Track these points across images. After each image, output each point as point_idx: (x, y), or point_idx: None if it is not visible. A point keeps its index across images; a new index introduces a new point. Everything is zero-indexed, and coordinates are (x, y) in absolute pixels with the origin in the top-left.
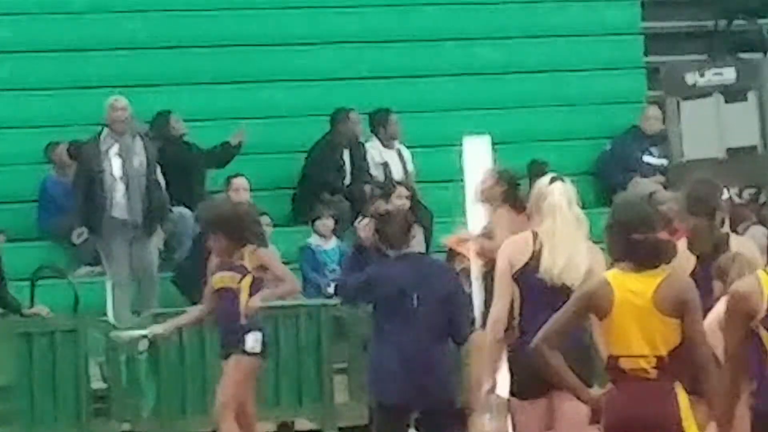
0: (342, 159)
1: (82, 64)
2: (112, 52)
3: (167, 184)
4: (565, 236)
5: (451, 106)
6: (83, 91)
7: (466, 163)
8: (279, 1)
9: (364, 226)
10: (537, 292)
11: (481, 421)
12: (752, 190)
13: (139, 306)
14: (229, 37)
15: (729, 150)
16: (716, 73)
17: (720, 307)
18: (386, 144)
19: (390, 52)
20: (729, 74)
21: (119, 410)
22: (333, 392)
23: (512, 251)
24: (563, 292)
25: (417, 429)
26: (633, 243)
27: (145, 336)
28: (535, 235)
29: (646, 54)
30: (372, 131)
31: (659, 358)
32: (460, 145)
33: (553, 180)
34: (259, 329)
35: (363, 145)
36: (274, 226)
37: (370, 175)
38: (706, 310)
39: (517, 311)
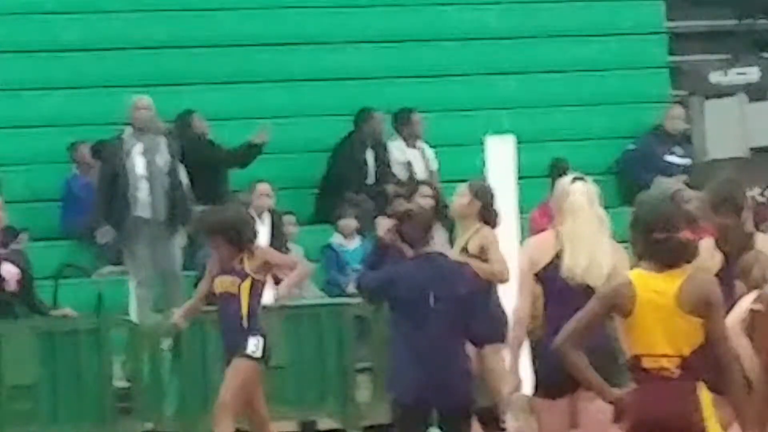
0: (365, 158)
1: (106, 64)
2: (135, 52)
3: (190, 183)
4: (586, 236)
5: (474, 105)
6: (107, 90)
7: (489, 162)
8: (302, 0)
9: (385, 228)
10: (560, 291)
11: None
12: None
13: (162, 305)
14: (253, 36)
15: (752, 149)
16: (740, 73)
17: (743, 306)
18: (409, 143)
19: (414, 52)
20: (752, 73)
21: (142, 409)
22: (356, 391)
23: (534, 251)
24: (586, 291)
25: (441, 429)
26: (654, 242)
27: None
28: (558, 235)
29: (669, 53)
30: (395, 130)
31: (682, 358)
32: (483, 144)
33: (575, 179)
34: (261, 334)
35: (386, 144)
36: (298, 224)
37: (393, 175)
38: (730, 309)
39: (540, 310)
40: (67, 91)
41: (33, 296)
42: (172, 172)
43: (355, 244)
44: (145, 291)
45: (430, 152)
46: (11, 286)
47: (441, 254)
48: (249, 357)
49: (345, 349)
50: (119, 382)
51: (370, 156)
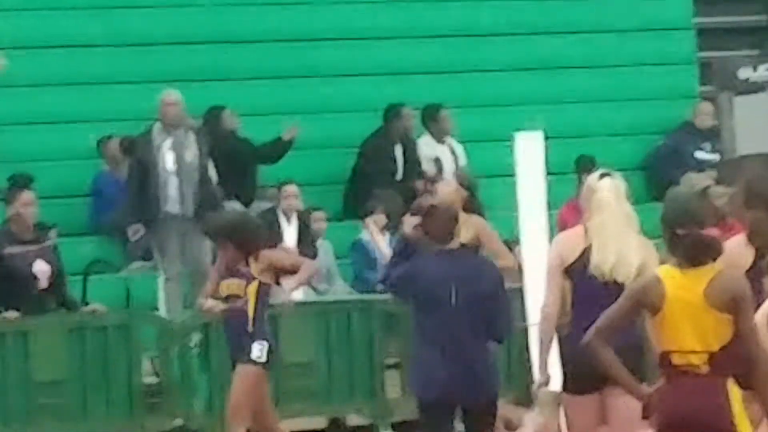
0: (394, 154)
1: (136, 60)
2: (166, 47)
3: (219, 178)
4: (614, 232)
5: (503, 101)
6: (136, 86)
7: (518, 158)
8: None
9: (411, 225)
10: (588, 287)
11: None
12: None
13: (191, 300)
14: (283, 32)
15: None
16: None
17: None
18: (438, 139)
19: (442, 48)
20: None
21: (171, 405)
22: (385, 387)
23: (564, 246)
24: (615, 287)
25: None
26: (676, 238)
27: None
28: (586, 231)
29: (698, 49)
30: (424, 126)
31: (711, 354)
32: (512, 140)
33: (603, 175)
34: (266, 339)
35: (415, 140)
36: (328, 220)
37: (422, 171)
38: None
39: (569, 306)
40: (96, 87)
41: (64, 292)
42: (201, 168)
43: (384, 240)
44: (174, 286)
45: (458, 148)
46: (43, 283)
47: (466, 250)
48: (254, 362)
49: (374, 345)
50: (148, 378)
51: (399, 152)
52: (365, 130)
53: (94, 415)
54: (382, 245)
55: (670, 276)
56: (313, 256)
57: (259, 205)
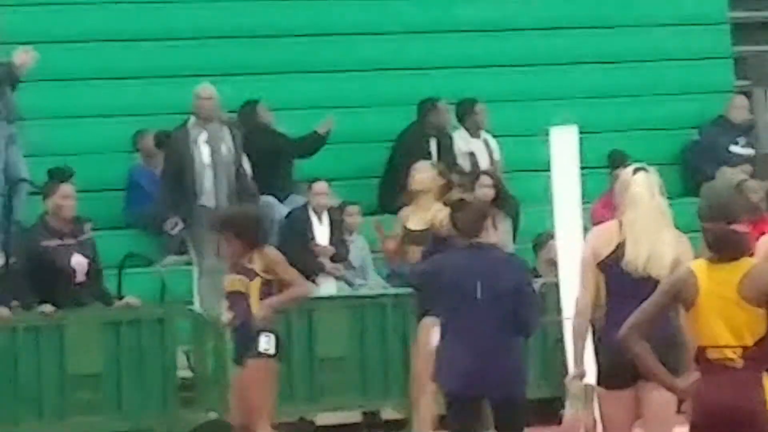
0: (429, 148)
1: (171, 53)
2: (201, 41)
3: (254, 172)
4: (647, 227)
5: (538, 95)
6: (171, 79)
7: (553, 152)
8: None
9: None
10: (622, 282)
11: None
12: None
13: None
14: (316, 26)
15: None
16: None
17: None
18: (473, 133)
19: (478, 42)
20: None
21: (206, 399)
22: None
23: (597, 241)
24: (649, 282)
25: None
26: (705, 232)
27: None
28: (621, 225)
29: (733, 44)
30: (459, 120)
31: (745, 348)
32: (548, 134)
33: (637, 170)
34: (273, 331)
35: (450, 134)
36: (362, 215)
37: (457, 165)
38: None
39: (603, 300)
40: (131, 81)
41: (100, 286)
42: (236, 162)
43: None
44: (208, 280)
45: (493, 142)
46: (80, 276)
47: (492, 245)
48: (261, 355)
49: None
50: (183, 372)
51: (433, 146)
52: (400, 124)
53: (128, 408)
54: None
55: (704, 270)
56: (345, 254)
57: (295, 200)
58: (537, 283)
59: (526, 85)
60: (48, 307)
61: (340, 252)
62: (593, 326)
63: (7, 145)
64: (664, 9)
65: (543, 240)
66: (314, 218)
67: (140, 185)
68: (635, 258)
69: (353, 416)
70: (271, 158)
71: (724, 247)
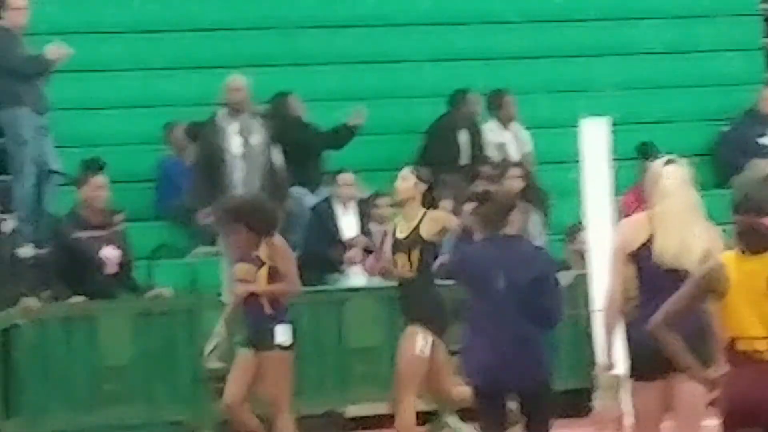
0: (459, 139)
1: (202, 45)
2: (231, 33)
3: (285, 164)
4: (677, 219)
5: (569, 86)
6: (202, 71)
7: (583, 144)
8: None
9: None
10: (652, 274)
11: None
12: None
13: None
14: (349, 18)
15: None
16: None
17: None
18: (503, 125)
19: (508, 33)
20: None
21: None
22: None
23: (627, 233)
24: (679, 274)
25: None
26: (736, 224)
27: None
28: (651, 217)
29: (764, 35)
30: (489, 112)
31: None
32: (578, 126)
33: (668, 162)
34: (289, 321)
35: (480, 125)
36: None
37: (487, 156)
38: None
39: (633, 292)
40: (163, 72)
41: (131, 277)
42: (267, 153)
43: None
44: None
45: (524, 134)
46: (111, 268)
47: (518, 237)
48: (280, 347)
49: None
50: (213, 363)
51: (464, 137)
52: (431, 116)
53: (158, 399)
54: None
55: (735, 262)
56: (372, 245)
57: (325, 191)
58: (567, 275)
59: (557, 77)
60: (79, 299)
61: (368, 244)
62: (624, 318)
63: (38, 136)
64: (696, 1)
65: (573, 232)
66: (340, 209)
67: (171, 177)
68: (665, 250)
69: (382, 408)
70: (301, 150)
71: (754, 240)
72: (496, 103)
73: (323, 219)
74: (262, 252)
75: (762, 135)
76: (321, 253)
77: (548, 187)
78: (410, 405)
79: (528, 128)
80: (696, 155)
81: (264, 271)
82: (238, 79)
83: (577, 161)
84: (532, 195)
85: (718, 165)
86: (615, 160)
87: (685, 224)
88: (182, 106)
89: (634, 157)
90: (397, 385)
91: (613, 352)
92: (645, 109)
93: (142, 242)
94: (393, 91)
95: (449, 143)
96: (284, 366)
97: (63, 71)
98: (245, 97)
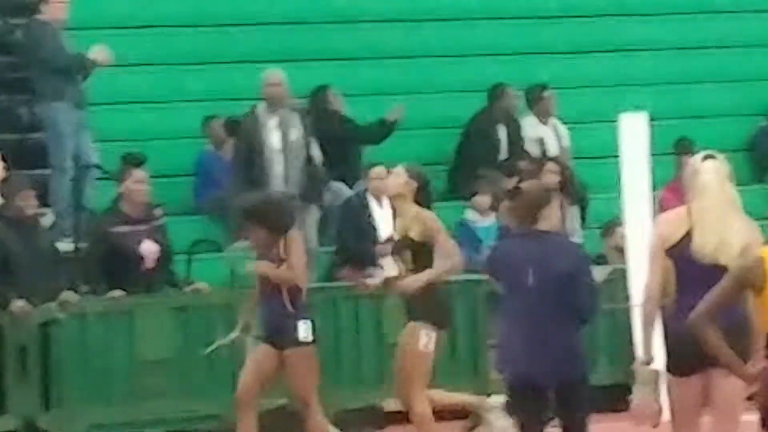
0: (498, 134)
1: (241, 39)
2: (271, 27)
3: (324, 158)
4: (717, 214)
5: (608, 81)
6: (241, 65)
7: (622, 139)
8: None
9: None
10: (691, 269)
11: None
12: None
13: None
14: (388, 12)
15: None
16: None
17: None
18: (542, 120)
19: (547, 28)
20: None
21: (275, 385)
22: (487, 368)
23: (666, 228)
24: (717, 269)
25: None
26: None
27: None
28: (689, 212)
29: None
30: (528, 107)
31: None
32: (617, 121)
33: (706, 157)
34: (309, 317)
35: (519, 120)
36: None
37: (526, 151)
38: None
39: (672, 287)
40: (202, 67)
41: (170, 272)
42: (306, 147)
43: (489, 220)
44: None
45: (562, 129)
46: (150, 263)
47: (550, 232)
48: (301, 343)
49: (477, 326)
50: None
51: (502, 132)
52: (469, 111)
53: (197, 394)
54: None
55: None
56: None
57: (363, 186)
58: (605, 270)
59: (595, 72)
60: (118, 293)
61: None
62: (662, 313)
63: (77, 130)
64: None
65: (611, 227)
66: (374, 203)
67: (210, 171)
68: (704, 245)
69: None
70: (340, 145)
71: None
72: (534, 98)
73: (356, 213)
74: (281, 249)
75: None
76: (354, 247)
77: (586, 182)
78: (424, 400)
79: (567, 123)
80: (734, 150)
81: (283, 268)
82: (276, 74)
83: (616, 156)
84: (570, 190)
85: (757, 160)
86: (653, 155)
87: (724, 219)
88: (222, 101)
89: (673, 152)
90: (404, 383)
91: (652, 347)
92: (684, 104)
93: (180, 237)
94: (432, 86)
95: (488, 138)
96: (308, 361)
97: (103, 66)
98: (284, 91)
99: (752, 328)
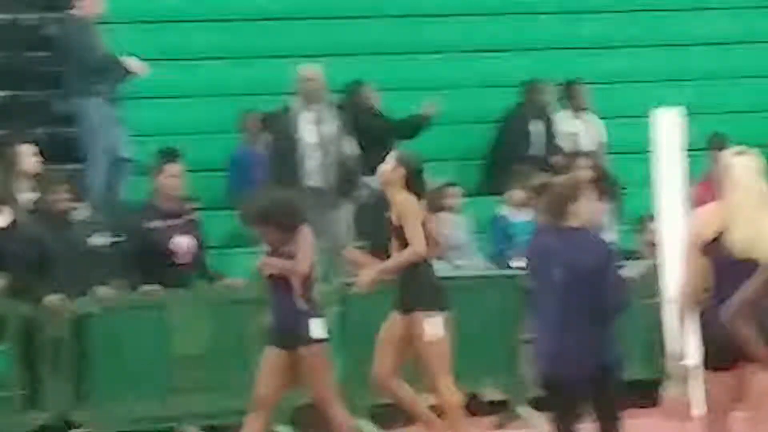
0: (532, 129)
1: (277, 33)
2: (307, 21)
3: (359, 153)
4: (750, 210)
5: (642, 77)
6: (276, 60)
7: (656, 134)
8: None
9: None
10: (726, 264)
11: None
12: None
13: (329, 274)
14: (422, 7)
15: None
16: None
17: None
18: (576, 115)
19: (581, 23)
20: None
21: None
22: (522, 363)
23: (700, 224)
24: (752, 264)
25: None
26: None
27: None
28: (723, 208)
29: None
30: (561, 102)
31: None
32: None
33: (738, 153)
34: (321, 315)
35: (553, 115)
36: (465, 196)
37: (560, 146)
38: None
39: (707, 283)
40: (237, 61)
41: (205, 266)
42: (341, 142)
43: (524, 216)
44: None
45: (597, 124)
46: (184, 257)
47: (579, 228)
48: (315, 341)
49: (511, 321)
50: None
51: (537, 127)
52: (503, 106)
53: (231, 389)
54: None
55: None
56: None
57: None
58: (639, 266)
59: (630, 67)
60: (152, 287)
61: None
62: (698, 309)
63: (110, 125)
64: None
65: (645, 222)
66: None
67: (244, 165)
68: (737, 241)
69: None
70: (374, 139)
71: None
72: (568, 93)
73: (378, 206)
74: (292, 246)
75: None
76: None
77: (620, 178)
78: (451, 385)
79: (600, 118)
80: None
81: (291, 261)
82: (311, 69)
83: (650, 151)
84: (603, 185)
85: None
86: (687, 150)
87: (758, 215)
88: (257, 95)
89: (707, 148)
90: (427, 373)
91: (685, 344)
92: (718, 99)
93: (215, 231)
94: (466, 81)
95: (521, 133)
96: (323, 359)
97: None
98: (319, 86)
99: None
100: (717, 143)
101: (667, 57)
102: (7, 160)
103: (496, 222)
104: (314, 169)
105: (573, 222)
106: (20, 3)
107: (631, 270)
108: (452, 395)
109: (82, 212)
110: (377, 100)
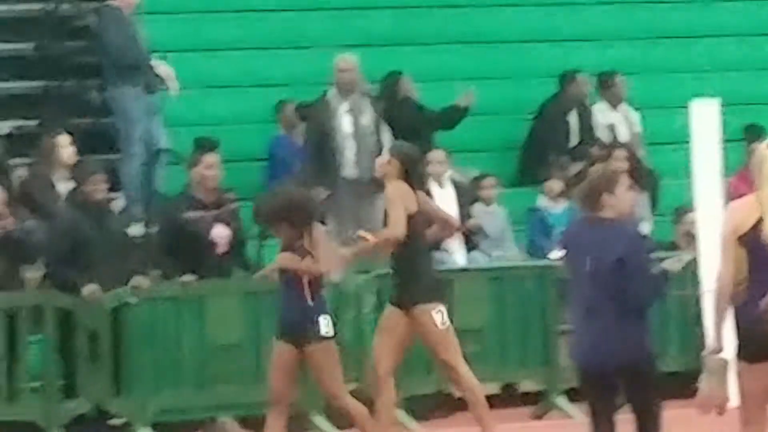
0: (569, 120)
1: (313, 24)
2: (343, 12)
3: None
4: None
5: (679, 68)
6: (313, 50)
7: (693, 126)
8: None
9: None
10: (762, 256)
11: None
12: None
13: (365, 266)
14: None
15: None
16: None
17: None
18: (613, 106)
19: (619, 14)
20: None
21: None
22: (558, 354)
23: (736, 216)
24: None
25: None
26: None
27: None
28: (759, 199)
29: None
30: (599, 93)
31: None
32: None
33: None
34: (328, 312)
35: (590, 106)
36: (502, 187)
37: (597, 137)
38: None
39: (743, 275)
40: (274, 51)
41: (242, 257)
42: (377, 133)
43: (560, 207)
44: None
45: (634, 115)
46: (222, 247)
47: (609, 219)
48: (324, 338)
49: (547, 312)
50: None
51: (573, 118)
52: (540, 96)
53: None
54: None
55: None
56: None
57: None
58: (678, 257)
59: (667, 58)
60: (189, 278)
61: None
62: (734, 301)
63: (147, 115)
64: None
65: (682, 213)
66: (434, 186)
67: (280, 156)
68: None
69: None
70: (411, 130)
71: None
72: (605, 84)
73: None
74: (306, 242)
75: None
76: None
77: (657, 169)
78: (467, 370)
79: (638, 109)
80: None
81: (308, 261)
82: (348, 59)
83: (687, 142)
84: (640, 176)
85: None
86: (724, 141)
87: None
88: (293, 86)
89: (743, 139)
90: (441, 363)
91: (722, 336)
92: (755, 90)
93: (250, 222)
94: (503, 72)
95: (559, 124)
96: (331, 356)
97: (176, 51)
98: (356, 76)
99: None
100: (753, 134)
101: (705, 48)
102: (45, 150)
103: (533, 213)
104: (350, 160)
105: (608, 213)
106: None
107: (667, 262)
108: (471, 379)
109: (119, 202)
110: (415, 91)
